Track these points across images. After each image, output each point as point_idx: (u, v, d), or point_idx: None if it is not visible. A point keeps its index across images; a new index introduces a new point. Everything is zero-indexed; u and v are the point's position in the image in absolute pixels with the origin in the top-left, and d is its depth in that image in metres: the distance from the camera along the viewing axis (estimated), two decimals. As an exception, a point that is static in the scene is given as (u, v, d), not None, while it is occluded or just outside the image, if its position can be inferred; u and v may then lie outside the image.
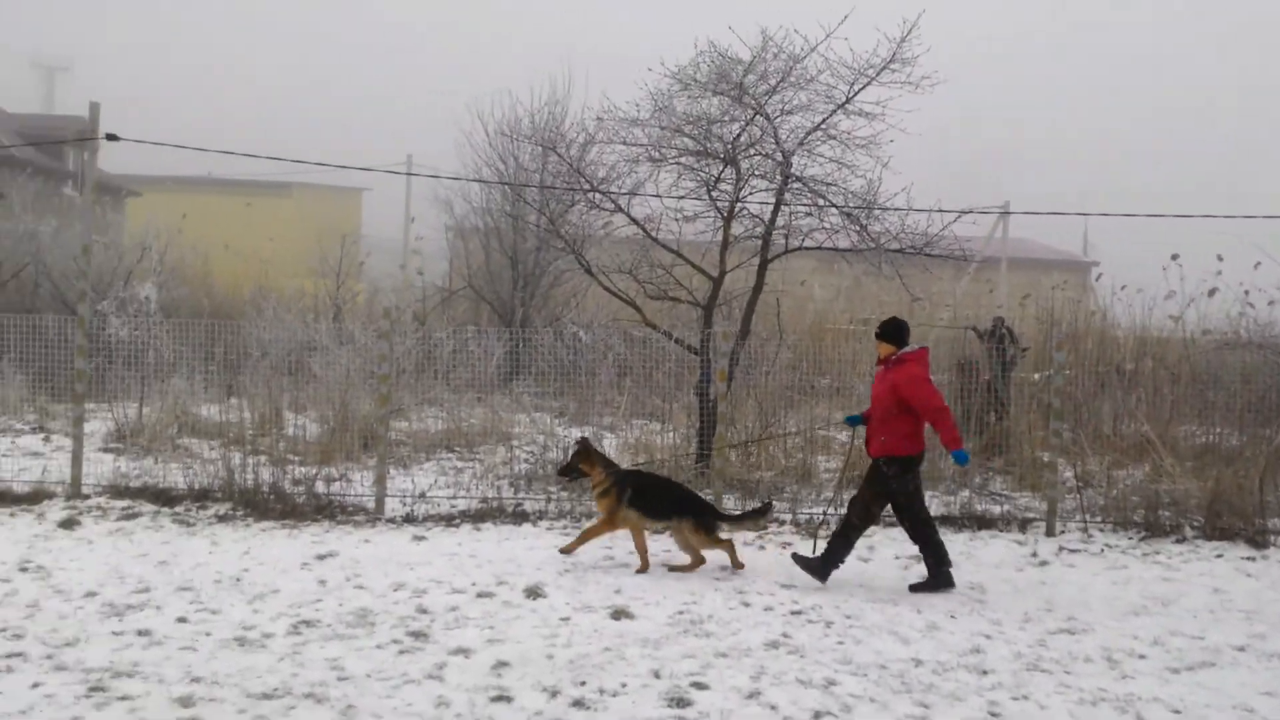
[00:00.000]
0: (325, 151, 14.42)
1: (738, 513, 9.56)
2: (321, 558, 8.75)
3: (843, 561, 8.40)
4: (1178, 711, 5.88)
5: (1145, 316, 15.91)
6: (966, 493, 11.29)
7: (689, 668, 6.24)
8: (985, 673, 6.35)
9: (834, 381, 14.15)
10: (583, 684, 5.94)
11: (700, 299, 12.64)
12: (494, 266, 21.86)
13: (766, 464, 11.91)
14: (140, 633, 6.63)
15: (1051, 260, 37.78)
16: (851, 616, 7.46)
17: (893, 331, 8.44)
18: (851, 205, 11.88)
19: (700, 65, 11.85)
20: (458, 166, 21.79)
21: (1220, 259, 15.97)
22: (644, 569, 8.58)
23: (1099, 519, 10.83)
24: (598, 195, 12.94)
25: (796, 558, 8.45)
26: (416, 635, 6.73)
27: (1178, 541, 10.24)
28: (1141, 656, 6.82)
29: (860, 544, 9.64)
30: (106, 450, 12.50)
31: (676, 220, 12.72)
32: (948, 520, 10.65)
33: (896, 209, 11.81)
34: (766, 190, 12.23)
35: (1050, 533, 10.42)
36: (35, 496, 10.52)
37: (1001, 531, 10.46)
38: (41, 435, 13.53)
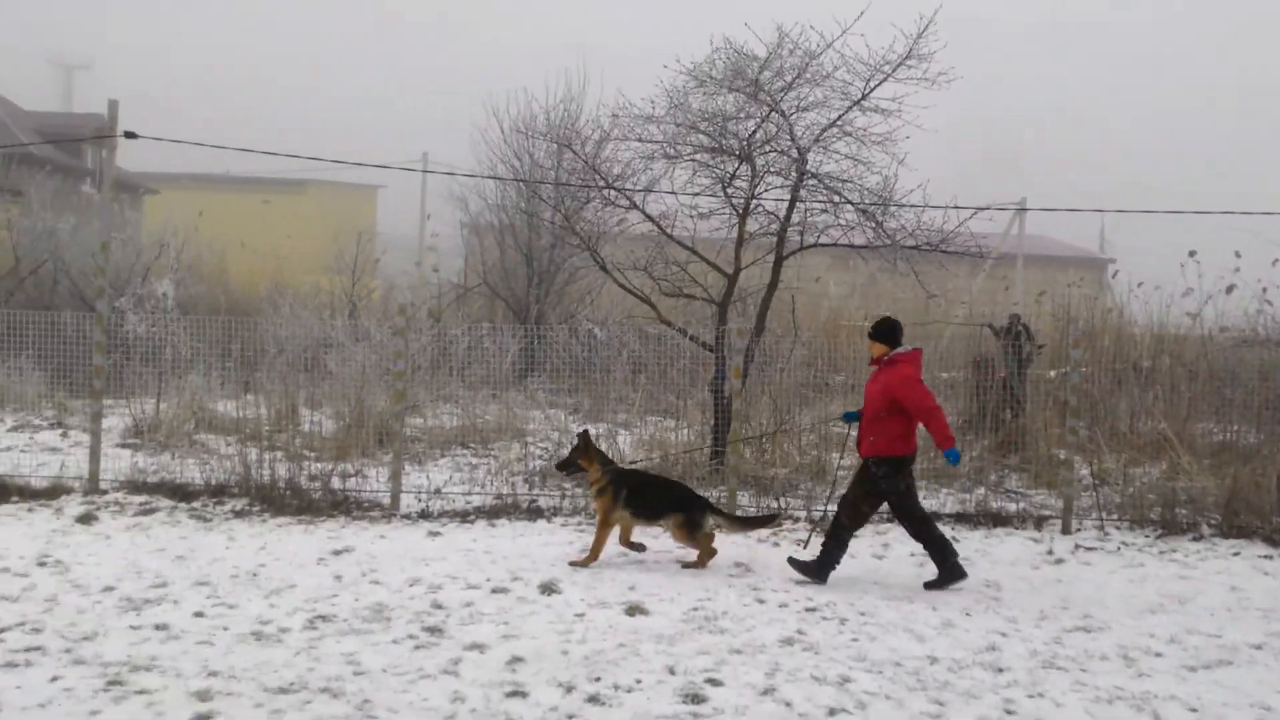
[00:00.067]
0: (340, 149, 14.47)
1: (741, 515, 9.50)
2: (337, 553, 8.79)
3: (839, 562, 8.38)
4: (1194, 710, 5.85)
5: (1162, 313, 15.83)
6: (982, 490, 11.27)
7: (703, 664, 6.25)
8: (1001, 670, 6.34)
9: (849, 379, 14.13)
10: (597, 680, 5.95)
11: (715, 296, 12.63)
12: (509, 263, 21.90)
13: (781, 461, 11.89)
14: (158, 627, 6.67)
15: (1068, 257, 37.64)
16: (866, 614, 7.45)
17: (886, 331, 8.42)
18: (867, 202, 11.87)
19: (715, 62, 11.84)
20: (473, 163, 21.84)
21: (1238, 255, 15.87)
22: (587, 562, 8.55)
23: (1115, 517, 10.78)
24: (613, 192, 12.94)
25: (792, 562, 8.42)
26: (432, 631, 6.76)
27: (1195, 539, 10.19)
28: (1158, 654, 6.79)
29: (875, 541, 9.69)
30: (124, 446, 12.57)
31: (691, 217, 12.72)
32: (963, 518, 10.64)
33: (912, 205, 11.79)
34: (782, 187, 12.22)
35: (1066, 530, 10.38)
36: (53, 492, 10.60)
37: (1017, 529, 10.43)
38: (59, 431, 13.63)
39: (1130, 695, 6.03)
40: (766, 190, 12.27)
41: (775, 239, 12.29)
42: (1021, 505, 11.01)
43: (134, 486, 10.76)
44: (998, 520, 10.59)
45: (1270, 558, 9.56)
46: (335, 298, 21.22)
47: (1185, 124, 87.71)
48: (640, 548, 8.92)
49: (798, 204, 12.11)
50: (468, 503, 10.78)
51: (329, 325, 15.50)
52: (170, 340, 14.15)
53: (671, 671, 6.11)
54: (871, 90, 11.66)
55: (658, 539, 9.12)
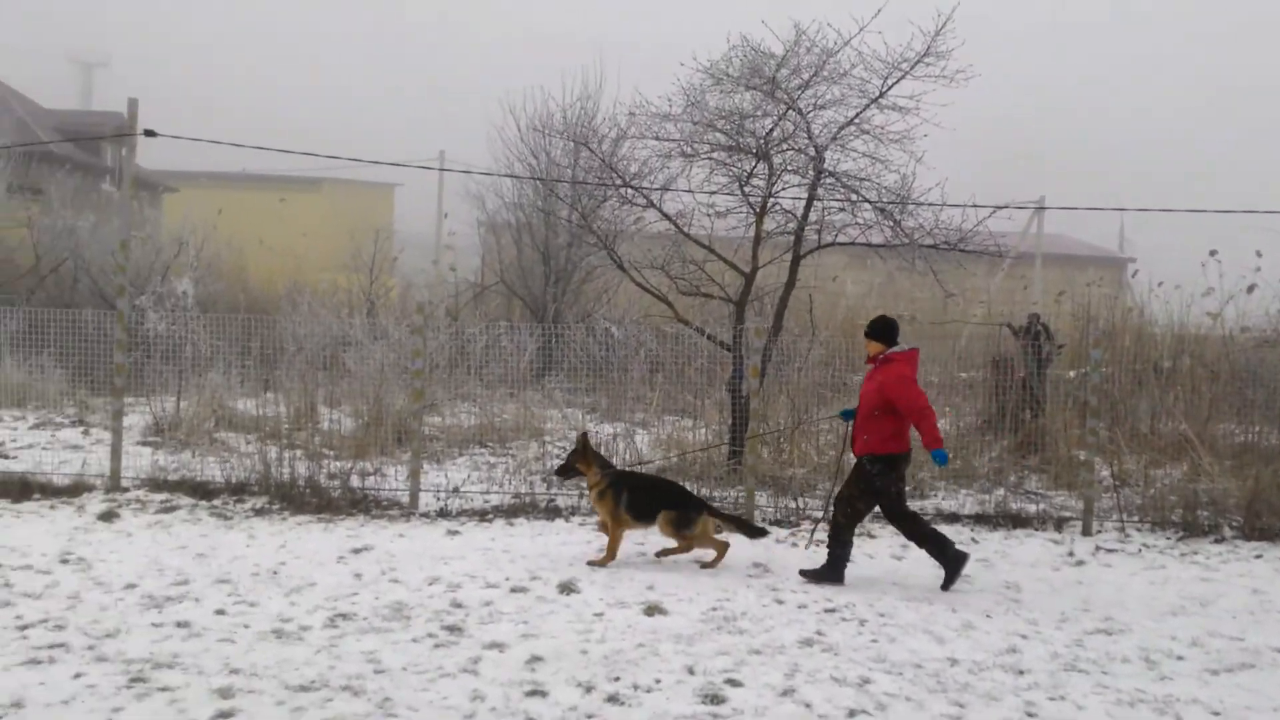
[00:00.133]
0: (357, 147, 14.53)
1: (736, 516, 9.47)
2: (357, 551, 8.82)
3: (849, 559, 8.36)
4: (1217, 714, 5.81)
5: (1183, 313, 15.74)
6: (1002, 491, 11.23)
7: (723, 664, 6.24)
8: (1021, 672, 6.31)
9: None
10: (617, 679, 5.95)
11: (732, 295, 12.62)
12: (526, 262, 21.94)
13: (799, 460, 11.87)
14: (179, 624, 6.71)
15: (1087, 256, 37.49)
16: (885, 615, 7.43)
17: (881, 330, 8.39)
18: (885, 200, 11.83)
19: (732, 60, 11.82)
20: (490, 162, 21.89)
21: (1259, 255, 15.76)
22: (605, 562, 8.61)
23: (1136, 518, 10.73)
24: (630, 190, 12.94)
25: (804, 573, 8.36)
26: (451, 629, 6.77)
27: (1216, 541, 10.13)
28: (1180, 658, 6.75)
29: (894, 542, 9.65)
30: (145, 444, 12.65)
31: (708, 216, 12.69)
32: (982, 519, 10.61)
33: (930, 204, 11.75)
34: (799, 185, 12.19)
35: (1087, 532, 10.34)
36: (75, 489, 10.67)
37: (1037, 530, 10.39)
38: (81, 428, 13.72)
39: (1152, 698, 5.99)
40: (784, 189, 12.25)
41: (792, 238, 12.27)
42: (1041, 506, 10.97)
43: (155, 484, 10.82)
44: (1017, 521, 10.55)
45: (1293, 560, 9.50)
46: (353, 296, 21.30)
47: (1208, 120, 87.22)
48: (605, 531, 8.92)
49: (815, 202, 12.09)
50: (486, 502, 10.80)
51: (347, 324, 15.55)
52: (190, 338, 14.22)
53: (691, 671, 6.10)
54: (889, 88, 11.63)
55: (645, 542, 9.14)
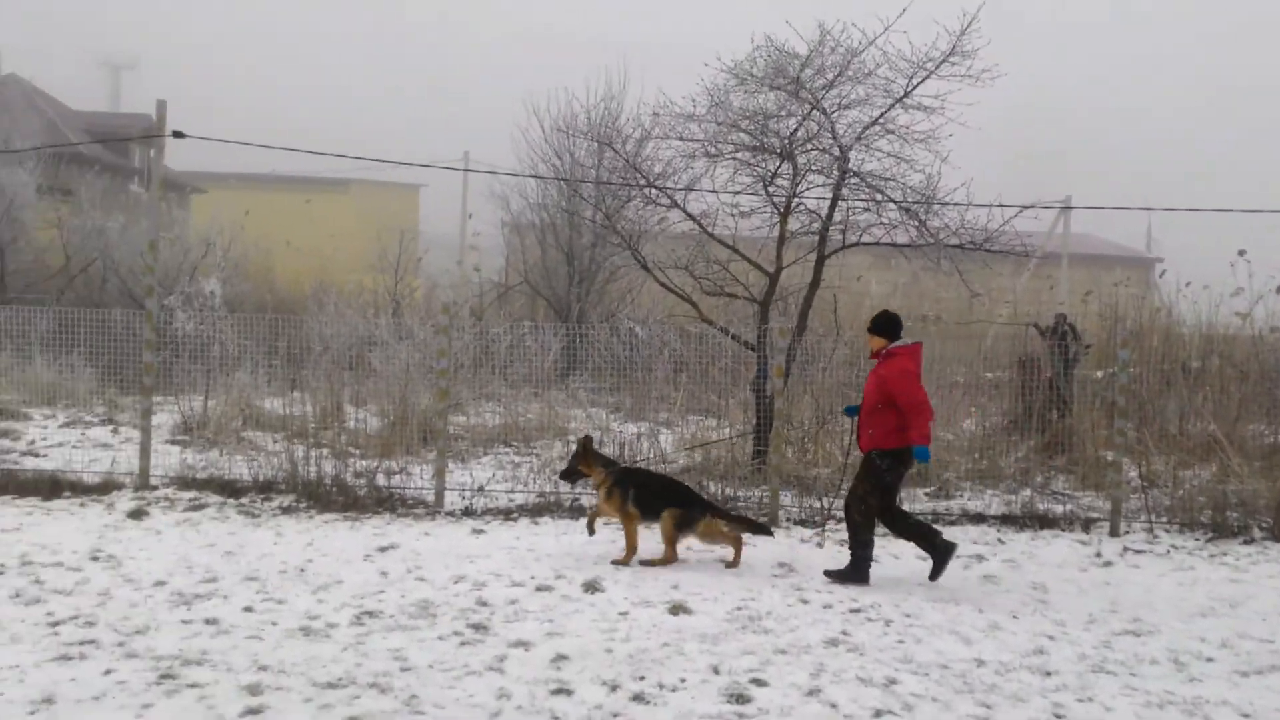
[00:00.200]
0: (382, 148, 14.62)
1: (741, 515, 9.44)
2: (383, 550, 8.87)
3: (871, 559, 8.34)
4: (1247, 716, 5.76)
5: (1211, 313, 15.60)
6: (1028, 491, 11.17)
7: (748, 664, 6.24)
8: (1049, 674, 6.27)
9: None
10: (642, 678, 5.95)
11: (756, 295, 12.61)
12: (550, 262, 22.01)
13: (823, 460, 11.85)
14: (208, 621, 6.76)
15: (1114, 256, 37.22)
16: (911, 615, 7.40)
17: (884, 325, 8.40)
18: (910, 200, 11.79)
19: (756, 60, 11.81)
20: (514, 163, 21.97)
21: (1290, 254, 15.60)
22: (629, 559, 8.66)
23: (1164, 519, 10.65)
24: (654, 191, 12.95)
25: (829, 574, 8.33)
26: (477, 627, 6.80)
27: (1245, 543, 10.05)
28: (1209, 659, 6.69)
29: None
30: (173, 442, 12.77)
31: (732, 216, 12.69)
32: (1009, 519, 10.56)
33: (956, 204, 11.70)
34: (823, 185, 12.19)
35: (1114, 533, 10.27)
36: (105, 487, 10.78)
37: (1064, 531, 10.33)
38: (110, 427, 13.85)
39: (1181, 700, 5.95)
40: (808, 189, 12.24)
41: (817, 238, 12.24)
42: (1068, 507, 10.90)
43: (183, 482, 10.92)
44: (1044, 522, 10.49)
45: (1324, 562, 9.40)
46: (379, 296, 21.41)
47: (1207, 120, 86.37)
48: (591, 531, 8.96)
49: (840, 202, 12.06)
50: (510, 501, 10.84)
51: (373, 324, 15.63)
52: (218, 338, 14.34)
53: (716, 671, 6.10)
54: (914, 87, 11.59)
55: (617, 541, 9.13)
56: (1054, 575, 8.74)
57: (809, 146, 11.99)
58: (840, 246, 12.37)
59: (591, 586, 7.80)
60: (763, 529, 9.15)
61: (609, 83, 21.73)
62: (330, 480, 10.78)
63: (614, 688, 5.81)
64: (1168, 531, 10.42)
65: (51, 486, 10.72)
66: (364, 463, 11.49)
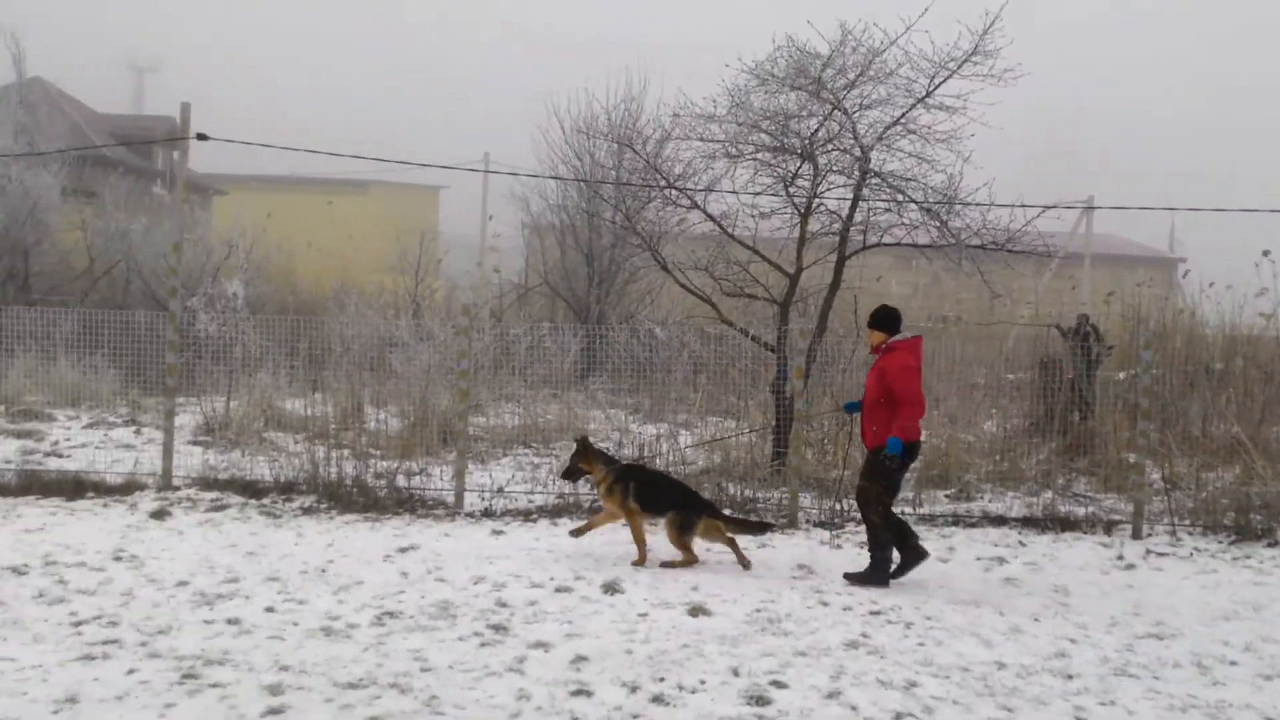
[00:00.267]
0: (401, 150, 14.68)
1: (740, 517, 9.42)
2: (403, 550, 8.90)
3: (890, 560, 8.32)
4: (1270, 719, 5.73)
5: (1235, 314, 15.48)
6: (1050, 494, 11.10)
7: (768, 666, 6.23)
8: (1071, 677, 6.24)
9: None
10: (661, 680, 5.95)
11: (776, 296, 12.59)
12: (569, 263, 22.03)
13: (843, 462, 11.80)
14: (230, 621, 6.80)
15: (1136, 256, 36.99)
16: (932, 618, 7.37)
17: (883, 320, 8.40)
18: (931, 201, 11.74)
19: (777, 60, 11.79)
20: (534, 164, 22.03)
21: (1314, 255, 15.46)
22: (583, 531, 8.99)
23: (1187, 522, 10.57)
24: (674, 191, 12.95)
25: (849, 577, 8.31)
26: (497, 628, 6.81)
27: (1269, 545, 9.96)
28: (1233, 663, 6.64)
29: (940, 545, 9.59)
30: (195, 443, 12.84)
31: (753, 217, 12.68)
32: (1030, 521, 10.50)
33: (978, 204, 11.65)
34: (844, 186, 12.15)
35: (1137, 535, 10.20)
36: (128, 487, 10.86)
37: (1086, 533, 10.27)
38: (133, 428, 13.94)
39: (1204, 704, 5.90)
40: (829, 189, 12.21)
41: (837, 238, 12.21)
42: (1090, 509, 10.83)
43: (205, 483, 10.99)
44: (1066, 524, 10.42)
45: (1350, 565, 9.31)
46: (399, 297, 21.48)
47: (1258, 116, 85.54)
48: (644, 547, 8.86)
49: (860, 203, 12.03)
50: (530, 502, 10.85)
51: (393, 325, 15.69)
52: (240, 339, 14.42)
53: (735, 673, 6.09)
54: (936, 87, 11.55)
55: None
56: (1076, 578, 8.69)
57: (830, 147, 11.97)
58: (861, 247, 12.34)
59: (611, 588, 7.80)
60: (760, 528, 9.15)
61: (629, 84, 21.89)
62: (351, 481, 10.82)
63: (634, 689, 5.81)
64: (1190, 534, 10.34)
65: (75, 487, 10.81)
66: (384, 464, 11.53)
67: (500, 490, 11.03)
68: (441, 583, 7.89)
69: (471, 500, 10.76)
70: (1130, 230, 40.11)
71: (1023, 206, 11.73)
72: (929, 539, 9.82)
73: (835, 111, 11.68)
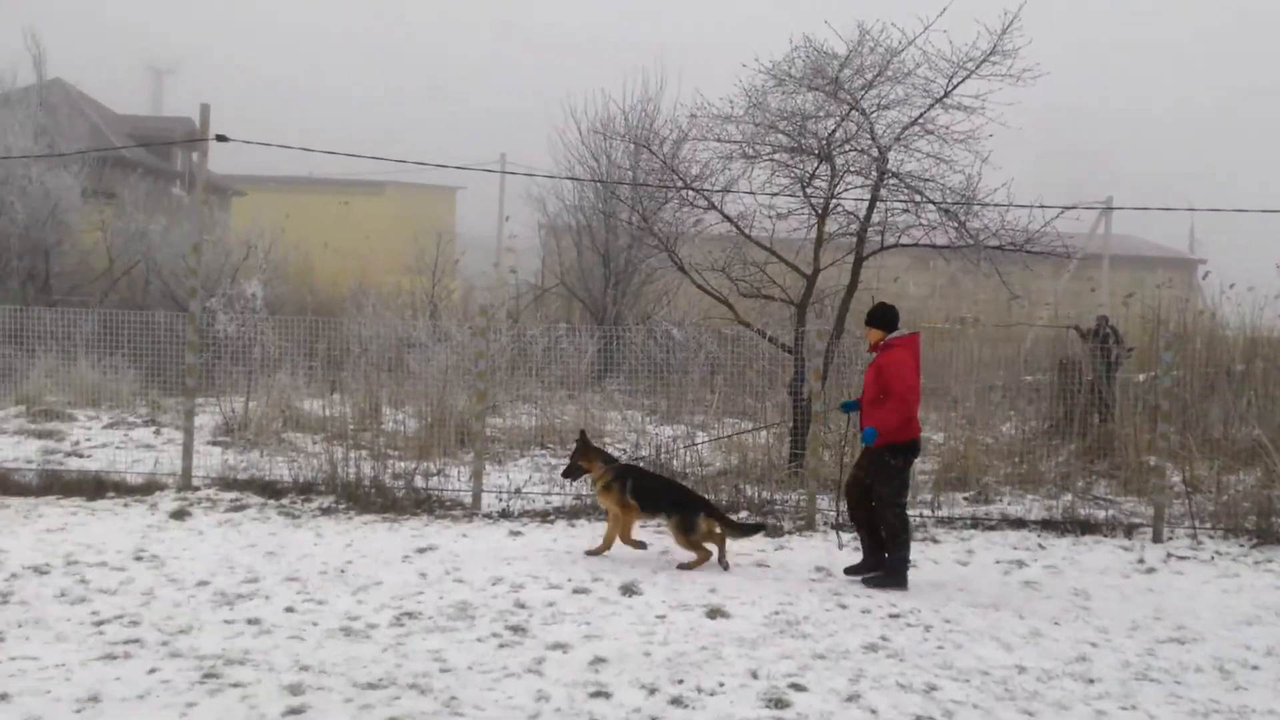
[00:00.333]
0: (418, 150, 14.69)
1: (735, 520, 9.40)
2: (421, 551, 8.92)
3: (910, 563, 8.32)
4: (1295, 726, 5.68)
5: (1256, 316, 15.35)
6: (1069, 497, 11.05)
7: (786, 669, 6.21)
8: (1092, 681, 6.20)
9: (929, 381, 13.94)
10: (680, 682, 5.95)
11: (794, 297, 12.57)
12: (586, 264, 22.03)
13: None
14: (250, 621, 6.83)
15: (1156, 257, 36.78)
16: (951, 621, 7.34)
17: (880, 317, 8.43)
18: (949, 201, 11.70)
19: (795, 61, 11.78)
20: (551, 165, 22.05)
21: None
22: (601, 551, 8.88)
23: (1208, 525, 10.51)
24: (691, 192, 12.94)
25: (869, 582, 8.27)
26: (515, 629, 6.82)
27: (1292, 549, 9.89)
28: (1255, 667, 6.60)
29: (959, 547, 9.58)
30: (215, 443, 12.90)
31: (770, 217, 12.67)
32: (1050, 524, 10.45)
33: (996, 205, 11.61)
34: (862, 187, 12.14)
35: (1157, 539, 10.14)
36: (148, 488, 10.92)
37: (1106, 537, 10.21)
38: (153, 428, 14.01)
39: (1227, 709, 5.87)
40: (846, 190, 12.20)
41: (855, 239, 12.19)
42: (1110, 512, 10.78)
43: (225, 483, 11.04)
44: (1086, 528, 10.37)
45: (1373, 569, 9.23)
46: (416, 298, 21.51)
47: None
48: (642, 545, 8.96)
49: (878, 204, 12.00)
50: (548, 503, 10.86)
51: (411, 325, 15.72)
52: (259, 339, 14.47)
53: (754, 675, 6.08)
54: (954, 87, 11.53)
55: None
56: (1096, 581, 8.65)
57: (847, 147, 11.95)
58: (879, 248, 12.31)
59: (629, 589, 7.80)
60: (753, 529, 9.14)
61: (645, 85, 21.85)
62: (369, 482, 10.86)
63: (652, 691, 5.80)
64: (1212, 538, 10.28)
65: (96, 487, 10.88)
66: (402, 464, 11.55)
67: (518, 491, 11.04)
68: (460, 583, 7.91)
69: (489, 501, 10.78)
70: (1149, 231, 39.90)
71: (1042, 207, 11.70)
72: (947, 541, 9.82)
73: (853, 112, 11.66)
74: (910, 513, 10.41)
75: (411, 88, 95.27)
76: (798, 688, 5.91)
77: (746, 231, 12.70)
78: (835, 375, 12.39)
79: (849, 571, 8.44)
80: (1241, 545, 10.02)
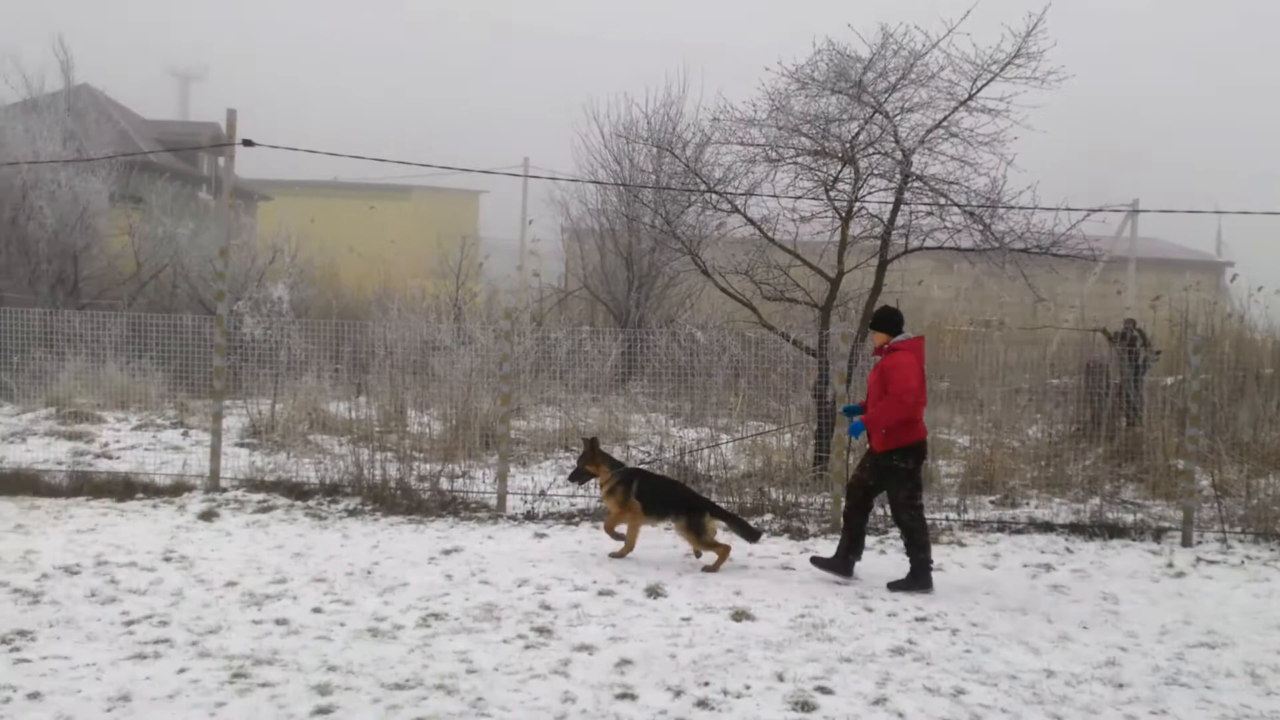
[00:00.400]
0: (442, 155, 14.75)
1: (741, 520, 9.38)
2: (447, 553, 8.95)
3: (932, 563, 8.29)
4: (1329, 732, 5.62)
5: (1285, 319, 15.24)
6: (1097, 500, 10.97)
7: (812, 671, 6.20)
8: (1121, 686, 6.16)
9: (953, 384, 13.90)
10: (706, 684, 5.94)
11: (817, 300, 12.54)
12: (609, 267, 22.02)
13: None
14: (278, 622, 6.87)
15: (1183, 260, 36.45)
16: (978, 625, 7.31)
17: (884, 321, 8.45)
18: (974, 204, 11.65)
19: (818, 64, 11.75)
20: (573, 168, 22.08)
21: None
22: (624, 553, 8.92)
23: (1238, 529, 10.41)
24: (714, 196, 12.93)
25: (893, 585, 8.22)
26: (541, 631, 6.83)
27: (1323, 554, 9.79)
28: (1287, 673, 6.54)
29: (985, 551, 9.52)
30: (242, 445, 12.98)
31: (793, 221, 12.63)
32: (1077, 528, 10.38)
33: (1022, 207, 11.54)
34: (885, 190, 12.08)
35: (1186, 543, 10.06)
36: (176, 489, 11.01)
37: (1134, 541, 10.14)
38: (181, 430, 14.12)
39: (1258, 714, 5.82)
40: (870, 193, 12.14)
41: (879, 242, 12.15)
42: (1139, 516, 10.69)
43: (252, 484, 11.11)
44: (1114, 532, 10.30)
45: (1407, 575, 9.12)
46: (440, 301, 21.56)
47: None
48: (621, 537, 9.04)
49: (902, 207, 11.95)
50: (572, 505, 10.88)
51: (435, 328, 15.78)
52: (285, 342, 14.56)
53: (780, 678, 6.07)
54: (978, 90, 11.46)
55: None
56: (1125, 586, 8.58)
57: (871, 150, 11.90)
58: (902, 251, 12.27)
59: (654, 591, 7.81)
60: (755, 535, 9.08)
61: (669, 88, 21.80)
62: (395, 483, 10.91)
63: (678, 693, 5.81)
64: (1241, 542, 10.18)
65: (125, 488, 10.98)
66: (427, 466, 11.60)
67: (543, 493, 11.06)
68: (485, 585, 7.94)
69: (514, 503, 10.82)
70: (1176, 233, 39.56)
71: (1068, 210, 11.61)
72: (974, 545, 9.77)
73: (876, 115, 11.62)
74: (937, 516, 10.43)
75: (432, 92, 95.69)
76: (824, 691, 5.90)
77: (770, 235, 12.67)
78: (859, 378, 12.34)
79: (816, 561, 8.56)
80: (1272, 549, 9.93)
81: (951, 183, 11.74)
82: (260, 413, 13.74)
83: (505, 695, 5.72)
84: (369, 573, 8.21)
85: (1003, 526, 10.46)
